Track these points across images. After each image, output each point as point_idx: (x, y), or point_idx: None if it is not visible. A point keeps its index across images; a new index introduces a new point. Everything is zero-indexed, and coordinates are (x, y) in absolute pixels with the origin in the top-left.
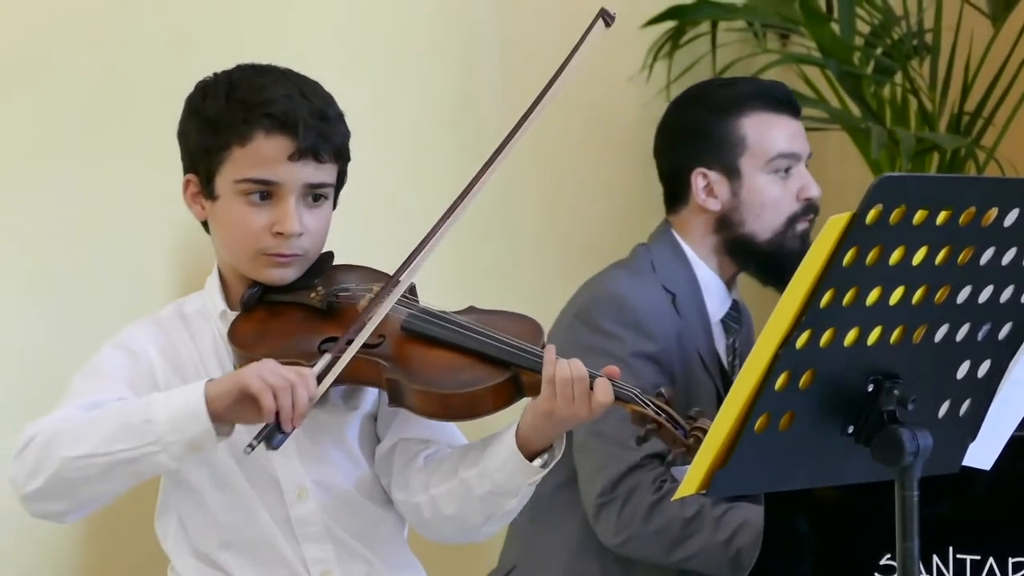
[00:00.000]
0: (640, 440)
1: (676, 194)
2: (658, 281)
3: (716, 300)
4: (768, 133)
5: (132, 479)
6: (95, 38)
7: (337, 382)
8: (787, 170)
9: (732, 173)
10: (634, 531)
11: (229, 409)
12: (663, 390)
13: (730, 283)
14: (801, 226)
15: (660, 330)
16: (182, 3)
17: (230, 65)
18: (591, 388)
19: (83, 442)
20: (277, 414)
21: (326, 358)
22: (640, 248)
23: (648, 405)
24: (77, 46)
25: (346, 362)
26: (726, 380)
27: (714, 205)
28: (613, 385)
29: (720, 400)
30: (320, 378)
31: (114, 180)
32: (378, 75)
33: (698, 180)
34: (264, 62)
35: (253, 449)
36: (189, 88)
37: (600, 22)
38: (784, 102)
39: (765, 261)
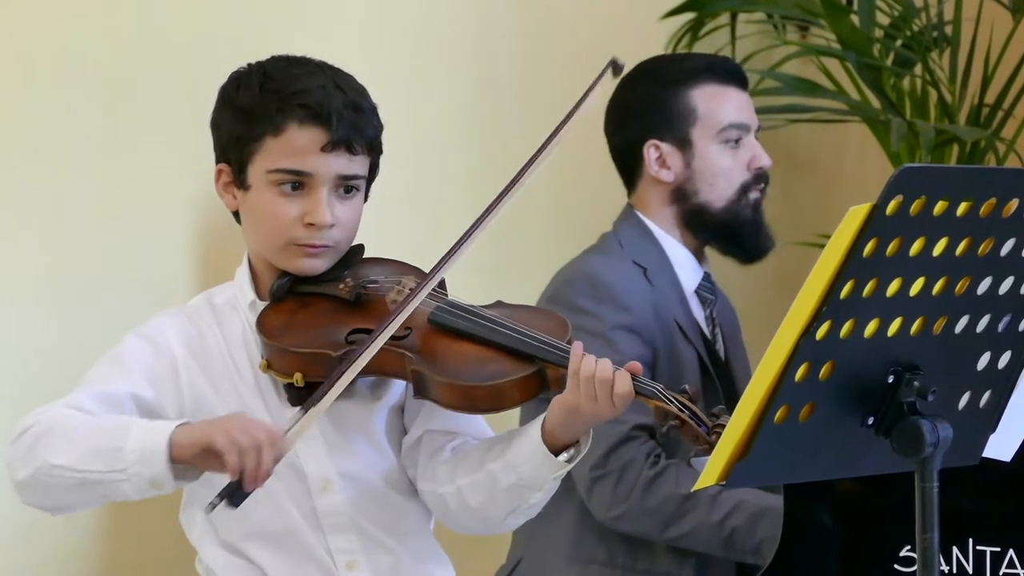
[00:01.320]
0: (662, 436)
1: (630, 169)
2: (627, 257)
3: (687, 271)
4: (719, 104)
5: (100, 499)
6: (113, 32)
7: (363, 373)
8: (737, 141)
9: (684, 144)
10: (630, 506)
11: (193, 459)
12: (687, 387)
13: (698, 254)
14: (753, 195)
15: (635, 301)
16: None
17: (247, 56)
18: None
19: (64, 451)
20: (241, 473)
21: (298, 414)
22: (606, 234)
23: (672, 401)
24: (94, 40)
25: (329, 402)
26: (710, 349)
27: (667, 176)
28: (638, 381)
29: (704, 369)
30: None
31: (131, 174)
32: (397, 70)
33: (650, 152)
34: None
35: (214, 508)
36: (207, 83)
37: (609, 71)
38: (733, 74)
39: (721, 230)
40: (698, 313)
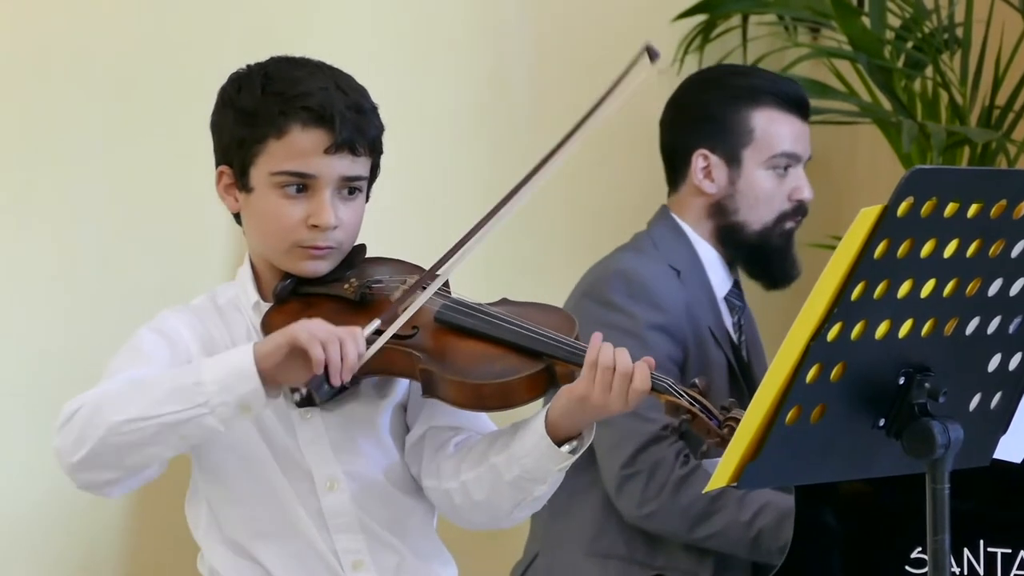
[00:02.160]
0: (674, 430)
1: (676, 170)
2: (662, 258)
3: (719, 277)
4: (776, 130)
5: (180, 442)
6: (123, 32)
7: (371, 373)
8: (785, 168)
9: (733, 161)
10: (660, 505)
11: (278, 366)
12: (697, 380)
13: (730, 262)
14: (788, 225)
15: (669, 301)
16: None
17: (258, 56)
18: (630, 381)
19: (130, 406)
20: (327, 368)
21: (375, 322)
22: (640, 232)
23: (683, 396)
24: (105, 40)
25: (393, 332)
26: (738, 355)
27: (710, 188)
28: (652, 376)
29: (732, 373)
30: (369, 342)
31: (141, 174)
32: (408, 71)
33: (698, 161)
34: (296, 54)
35: (301, 395)
36: (217, 82)
37: (645, 57)
38: (796, 102)
39: (751, 253)
40: (727, 319)
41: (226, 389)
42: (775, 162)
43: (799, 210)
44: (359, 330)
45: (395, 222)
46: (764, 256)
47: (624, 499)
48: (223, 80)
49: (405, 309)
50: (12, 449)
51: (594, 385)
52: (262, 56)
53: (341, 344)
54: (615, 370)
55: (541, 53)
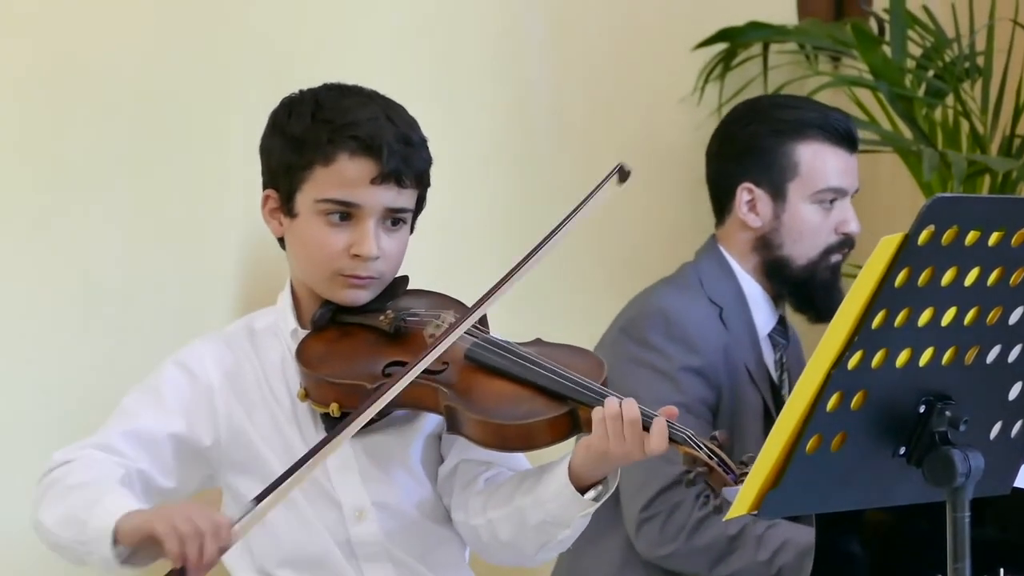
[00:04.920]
0: (689, 482)
1: (721, 203)
2: (705, 295)
3: (763, 314)
4: (822, 164)
5: (78, 563)
6: (147, 51)
7: (398, 406)
8: (831, 201)
9: (778, 195)
10: (678, 546)
11: (139, 544)
12: (717, 434)
13: (776, 299)
14: (835, 258)
15: (707, 344)
16: (235, 19)
17: (282, 79)
18: (646, 429)
19: (53, 510)
20: (184, 564)
21: (250, 505)
22: (687, 265)
23: (701, 448)
24: (128, 59)
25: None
26: (776, 394)
27: (754, 222)
28: (670, 426)
29: (767, 414)
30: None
31: (164, 198)
32: (431, 101)
33: (743, 194)
34: (316, 78)
35: None
36: (239, 103)
37: (615, 177)
38: (844, 136)
39: (797, 287)
40: (768, 357)
41: (98, 540)
42: (821, 196)
43: (845, 243)
44: (225, 523)
45: (418, 249)
46: (810, 290)
47: (642, 540)
48: (249, 106)
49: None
50: (37, 471)
51: (607, 437)
52: (286, 80)
53: (201, 540)
54: (623, 419)
55: (563, 83)
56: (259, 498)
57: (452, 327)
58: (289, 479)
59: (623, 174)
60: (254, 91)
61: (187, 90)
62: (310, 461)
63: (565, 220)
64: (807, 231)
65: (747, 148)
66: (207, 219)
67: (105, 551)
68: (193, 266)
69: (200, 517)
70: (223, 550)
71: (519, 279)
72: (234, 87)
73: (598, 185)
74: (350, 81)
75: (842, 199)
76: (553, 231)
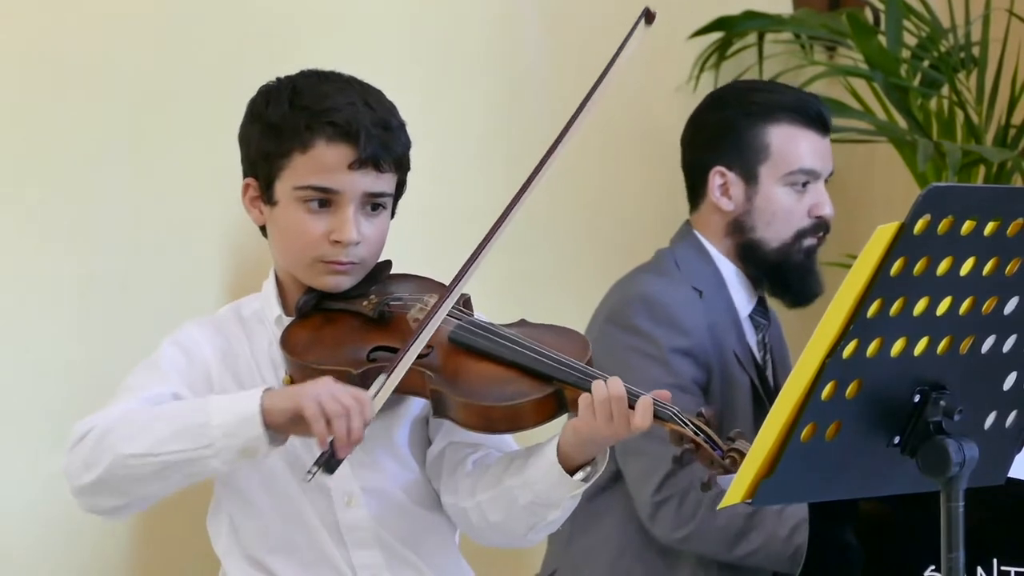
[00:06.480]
0: (676, 460)
1: (695, 189)
2: (684, 279)
3: (742, 296)
4: (793, 146)
5: (184, 480)
6: (146, 43)
7: None
8: (804, 184)
9: (749, 178)
10: (697, 526)
11: (284, 424)
12: (703, 410)
13: (755, 281)
14: (808, 242)
15: (692, 324)
16: (233, 10)
17: (280, 70)
18: (631, 407)
19: (138, 440)
20: (332, 439)
21: (381, 379)
22: (663, 250)
23: (687, 425)
24: (127, 51)
25: (399, 379)
26: (761, 375)
27: (727, 205)
28: (656, 404)
29: (756, 395)
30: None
31: (161, 186)
32: (428, 90)
33: (715, 178)
34: (316, 67)
35: (313, 476)
36: (239, 95)
37: (642, 21)
38: (815, 118)
39: (771, 270)
40: (751, 338)
41: (231, 434)
42: (792, 179)
43: (819, 227)
44: (366, 397)
45: (411, 236)
46: (784, 273)
47: (659, 525)
48: (247, 95)
49: (422, 332)
50: (35, 463)
51: (594, 418)
52: (287, 72)
53: (347, 417)
54: (611, 399)
55: (559, 71)
56: (386, 372)
57: (459, 276)
58: (409, 350)
59: (649, 16)
60: (250, 82)
61: (185, 82)
62: (424, 331)
63: (603, 75)
64: (780, 214)
65: (719, 132)
66: (207, 205)
67: (247, 438)
68: (190, 262)
69: (343, 394)
70: (366, 424)
71: (531, 191)
72: (236, 82)
73: (628, 34)
74: (349, 72)
75: (815, 182)
76: (593, 88)
